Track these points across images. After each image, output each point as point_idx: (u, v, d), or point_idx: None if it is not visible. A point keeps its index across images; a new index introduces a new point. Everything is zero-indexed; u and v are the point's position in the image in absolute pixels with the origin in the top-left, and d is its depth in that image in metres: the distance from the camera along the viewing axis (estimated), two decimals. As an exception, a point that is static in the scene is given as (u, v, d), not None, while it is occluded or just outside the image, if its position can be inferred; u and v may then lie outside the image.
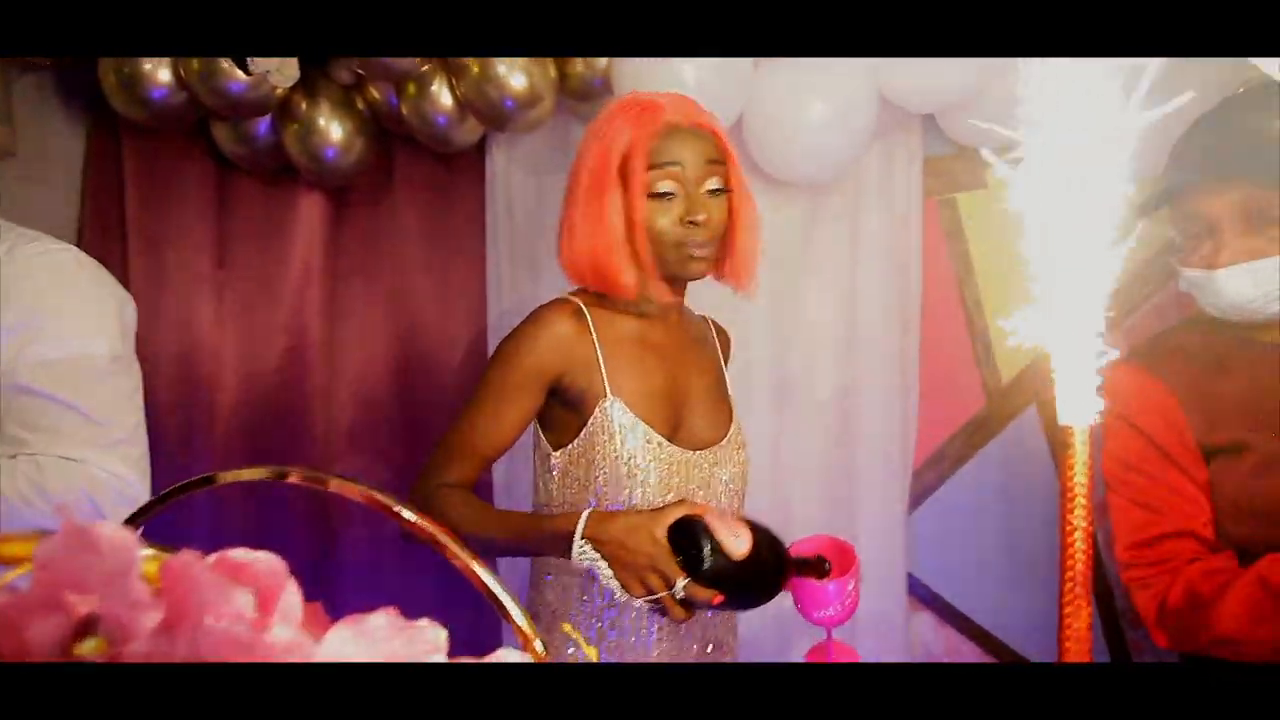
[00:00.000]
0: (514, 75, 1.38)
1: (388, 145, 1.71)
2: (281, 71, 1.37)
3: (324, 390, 1.82)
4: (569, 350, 0.90)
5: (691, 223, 0.87)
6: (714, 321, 1.10)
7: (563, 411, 0.93)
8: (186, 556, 0.29)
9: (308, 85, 1.50)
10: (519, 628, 0.45)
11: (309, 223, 1.77)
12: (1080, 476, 0.36)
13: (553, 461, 0.94)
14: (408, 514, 0.45)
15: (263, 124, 1.60)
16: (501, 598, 0.45)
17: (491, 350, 1.70)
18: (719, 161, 0.90)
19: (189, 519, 1.71)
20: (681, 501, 0.84)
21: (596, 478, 0.90)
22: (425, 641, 0.31)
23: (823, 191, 1.57)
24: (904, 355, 1.63)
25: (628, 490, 0.90)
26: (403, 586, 1.72)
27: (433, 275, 1.80)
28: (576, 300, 0.93)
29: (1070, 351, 0.37)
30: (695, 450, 0.95)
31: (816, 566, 0.89)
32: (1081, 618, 0.35)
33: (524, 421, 0.93)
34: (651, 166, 0.86)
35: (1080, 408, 0.37)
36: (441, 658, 0.32)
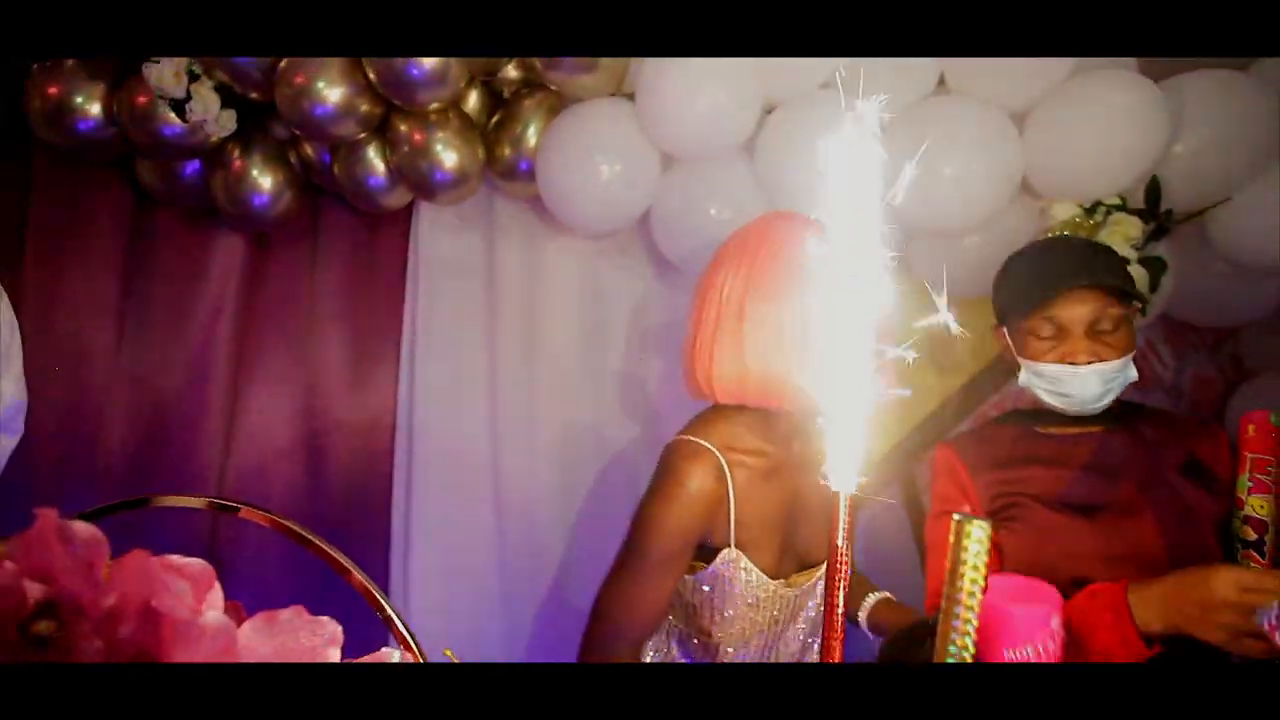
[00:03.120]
0: (446, 152, 1.49)
1: (315, 198, 1.76)
2: (219, 121, 1.44)
3: (221, 433, 1.80)
4: (714, 510, 0.92)
5: None
6: None
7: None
8: (138, 554, 0.37)
9: (243, 135, 1.56)
10: (403, 638, 0.53)
11: (226, 262, 1.79)
12: (841, 538, 0.47)
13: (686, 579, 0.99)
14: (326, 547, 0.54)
15: (190, 164, 1.63)
16: (392, 616, 0.54)
17: (414, 421, 1.75)
18: None
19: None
20: None
21: (713, 615, 0.97)
22: (325, 634, 0.40)
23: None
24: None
25: (739, 627, 0.97)
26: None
27: (347, 330, 1.83)
28: (714, 452, 0.93)
29: (839, 429, 0.49)
30: (799, 577, 1.00)
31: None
32: (836, 655, 0.46)
33: (680, 580, 0.96)
34: None
35: (845, 478, 0.48)
36: (338, 649, 0.41)
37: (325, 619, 0.40)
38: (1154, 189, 1.34)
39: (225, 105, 1.44)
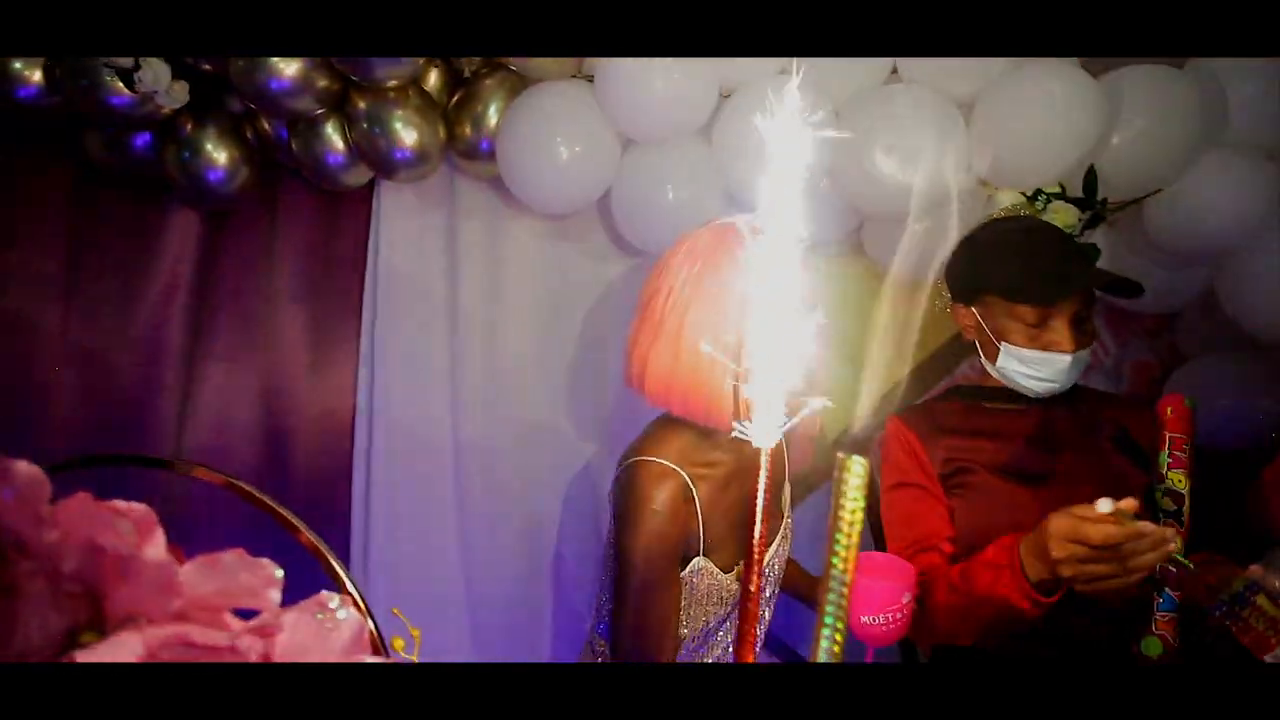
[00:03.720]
0: (406, 130, 1.49)
1: (273, 175, 1.74)
2: (170, 93, 1.41)
3: (174, 415, 1.77)
4: (687, 525, 0.97)
5: None
6: None
7: None
8: (81, 495, 0.38)
9: (196, 108, 1.53)
10: (352, 596, 0.55)
11: (180, 240, 1.75)
12: (760, 487, 0.51)
13: None
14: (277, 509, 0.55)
15: (140, 137, 1.60)
16: (340, 574, 0.55)
17: (375, 403, 1.75)
18: None
19: None
20: None
21: (683, 612, 1.01)
22: (264, 575, 0.41)
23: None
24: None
25: (702, 621, 1.03)
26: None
27: (306, 311, 1.81)
28: (677, 470, 0.96)
29: (762, 389, 0.52)
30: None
31: None
32: (755, 595, 0.49)
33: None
34: None
35: (766, 434, 0.52)
36: (278, 591, 0.42)
37: (265, 560, 0.41)
38: (1091, 178, 1.40)
39: (177, 77, 1.41)
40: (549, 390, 1.81)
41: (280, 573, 0.42)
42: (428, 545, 1.75)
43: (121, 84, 1.38)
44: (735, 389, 0.90)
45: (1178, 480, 1.09)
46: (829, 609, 0.40)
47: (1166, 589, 1.08)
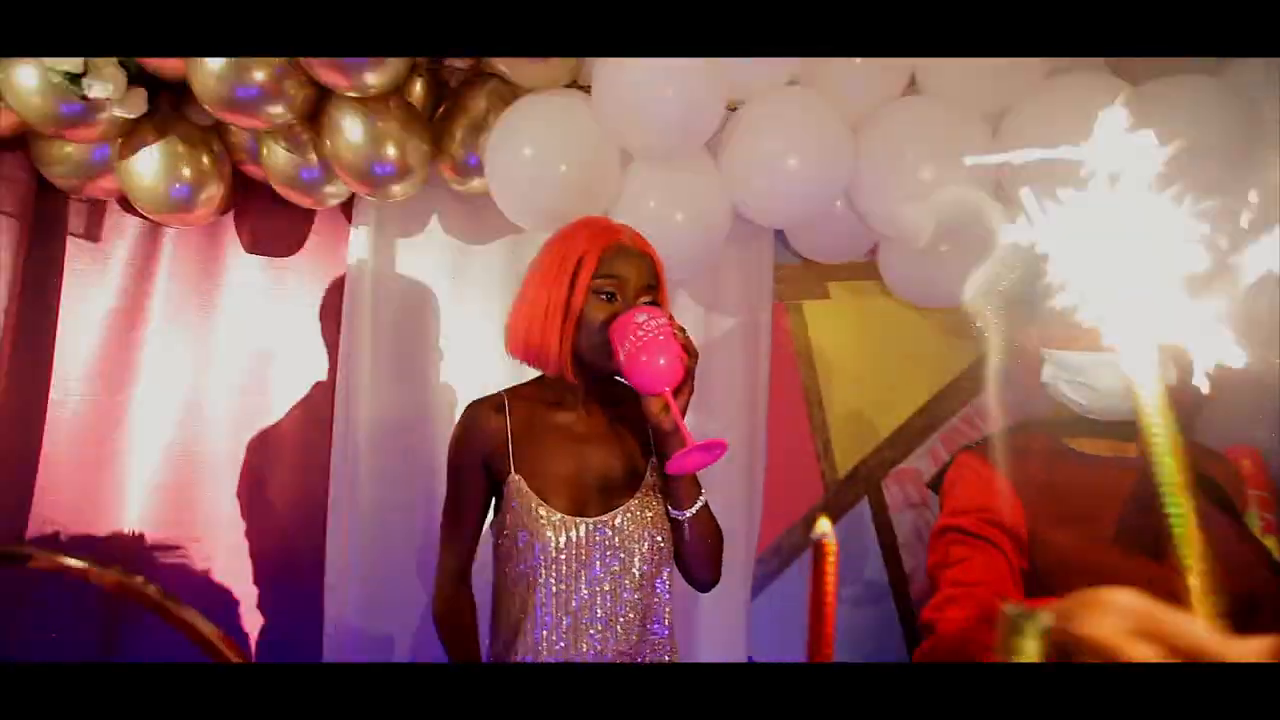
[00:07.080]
0: (387, 145, 1.37)
1: (243, 184, 1.59)
2: (125, 102, 1.28)
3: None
4: (489, 437, 1.06)
5: None
6: None
7: (497, 492, 1.10)
8: None
9: (159, 119, 1.40)
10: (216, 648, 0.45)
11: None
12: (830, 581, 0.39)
13: (496, 531, 1.10)
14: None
15: (99, 150, 1.47)
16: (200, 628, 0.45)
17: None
18: (653, 286, 1.04)
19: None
20: None
21: (510, 548, 1.05)
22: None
23: (681, 287, 1.65)
24: (751, 448, 1.71)
25: (534, 555, 1.03)
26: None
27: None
28: (502, 395, 1.09)
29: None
30: (596, 518, 1.05)
31: None
32: None
33: (480, 500, 1.10)
34: (599, 274, 1.01)
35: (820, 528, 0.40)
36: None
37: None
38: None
39: (133, 83, 1.28)
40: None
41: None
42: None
43: (73, 88, 1.25)
44: (565, 331, 1.01)
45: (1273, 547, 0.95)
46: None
47: None
